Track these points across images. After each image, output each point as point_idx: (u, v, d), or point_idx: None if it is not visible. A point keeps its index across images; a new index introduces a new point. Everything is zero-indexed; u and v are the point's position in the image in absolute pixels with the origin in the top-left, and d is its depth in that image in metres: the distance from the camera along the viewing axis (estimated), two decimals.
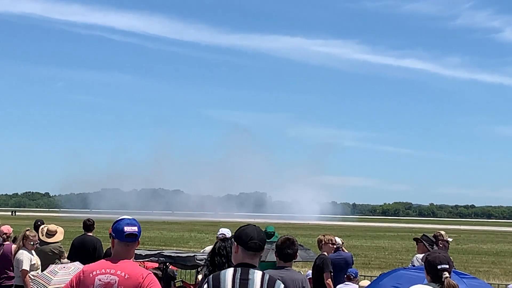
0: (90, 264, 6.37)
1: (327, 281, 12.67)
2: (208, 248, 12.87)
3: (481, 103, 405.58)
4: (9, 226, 15.03)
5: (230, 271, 5.88)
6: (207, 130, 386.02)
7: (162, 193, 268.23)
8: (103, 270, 6.18)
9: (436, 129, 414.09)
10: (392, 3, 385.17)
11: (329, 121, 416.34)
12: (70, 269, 11.97)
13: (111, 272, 6.16)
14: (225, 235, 13.94)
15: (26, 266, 13.18)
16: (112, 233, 6.32)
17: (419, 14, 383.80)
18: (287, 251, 8.60)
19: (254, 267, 5.93)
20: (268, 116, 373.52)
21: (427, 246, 13.05)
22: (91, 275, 6.17)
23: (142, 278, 6.16)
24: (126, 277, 6.13)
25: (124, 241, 6.28)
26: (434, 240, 13.51)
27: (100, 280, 6.13)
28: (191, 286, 16.52)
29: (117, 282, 6.11)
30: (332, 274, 12.92)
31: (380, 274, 11.29)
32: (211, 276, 5.94)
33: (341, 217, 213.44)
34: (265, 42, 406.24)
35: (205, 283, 5.88)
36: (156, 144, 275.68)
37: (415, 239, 13.64)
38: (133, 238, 6.29)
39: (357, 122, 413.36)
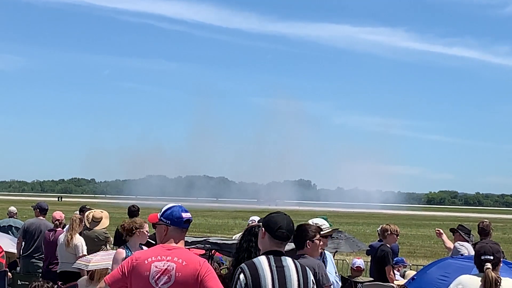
0: (143, 250, 6.34)
1: (390, 275, 12.34)
2: (238, 235, 12.86)
3: None
4: (61, 212, 15.15)
5: (264, 259, 5.86)
6: (252, 118, 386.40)
7: (207, 180, 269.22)
8: (159, 257, 6.12)
9: (482, 117, 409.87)
10: None
11: (375, 110, 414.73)
12: (111, 251, 12.01)
13: (168, 259, 6.11)
14: (255, 221, 13.95)
15: (85, 251, 13.32)
16: (164, 219, 6.28)
17: (467, 2, 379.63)
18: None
19: (284, 254, 5.93)
20: (314, 104, 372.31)
21: (464, 236, 12.91)
22: (146, 262, 6.10)
23: (200, 265, 6.13)
24: (183, 264, 6.09)
25: (183, 227, 6.29)
26: (470, 230, 13.31)
27: (156, 267, 6.07)
28: None
29: (174, 269, 6.07)
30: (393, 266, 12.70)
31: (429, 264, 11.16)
32: (244, 265, 5.88)
33: (387, 205, 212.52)
34: (311, 30, 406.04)
35: (240, 273, 5.82)
36: (201, 131, 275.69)
37: (452, 230, 13.48)
38: (189, 224, 6.33)
39: (403, 110, 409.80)
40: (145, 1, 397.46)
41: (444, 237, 13.58)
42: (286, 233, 5.92)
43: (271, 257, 5.85)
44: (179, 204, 6.45)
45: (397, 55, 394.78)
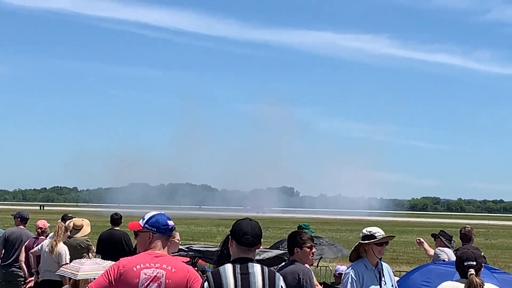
0: (128, 257, 6.30)
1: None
2: None
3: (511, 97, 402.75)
4: (45, 221, 15.06)
5: (229, 267, 5.84)
6: (236, 124, 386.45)
7: (190, 188, 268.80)
8: (148, 264, 6.13)
9: (465, 123, 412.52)
10: None
11: (359, 116, 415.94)
12: (98, 260, 11.94)
13: (157, 266, 6.12)
14: None
15: (68, 260, 13.23)
16: (149, 227, 6.30)
17: (450, 9, 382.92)
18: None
19: (252, 260, 5.88)
20: (299, 111, 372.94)
21: (445, 242, 12.94)
22: (134, 269, 6.10)
23: (188, 272, 6.20)
24: (173, 270, 6.12)
25: (168, 234, 6.35)
26: (451, 236, 13.33)
27: (146, 274, 6.08)
28: None
29: (164, 276, 6.09)
30: None
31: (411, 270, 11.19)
32: (210, 273, 5.90)
33: (370, 211, 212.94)
34: (294, 37, 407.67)
35: (205, 281, 5.82)
36: (184, 138, 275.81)
37: (433, 235, 13.51)
38: (172, 232, 6.43)
39: (387, 117, 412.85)
40: (128, 9, 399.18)
41: (426, 245, 13.59)
42: (251, 239, 5.87)
43: (237, 264, 5.84)
44: (162, 212, 6.49)
45: (380, 62, 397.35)
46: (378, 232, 8.03)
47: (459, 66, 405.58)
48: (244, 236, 5.87)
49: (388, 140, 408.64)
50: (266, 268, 5.90)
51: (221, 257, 7.01)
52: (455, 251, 10.89)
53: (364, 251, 7.98)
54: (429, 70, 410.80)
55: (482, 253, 10.11)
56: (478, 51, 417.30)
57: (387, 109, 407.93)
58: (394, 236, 9.14)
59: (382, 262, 8.14)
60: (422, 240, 13.65)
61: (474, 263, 6.75)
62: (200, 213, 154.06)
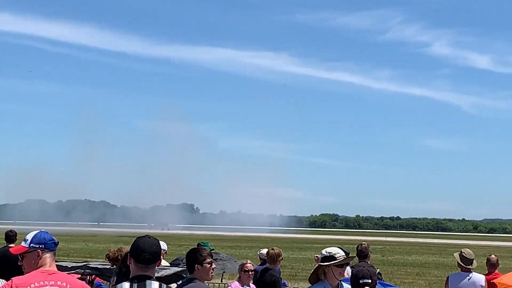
0: (21, 276, 6.17)
1: None
2: None
3: (409, 116, 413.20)
4: None
5: (126, 285, 5.83)
6: (136, 140, 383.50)
7: (89, 204, 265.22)
8: (42, 282, 6.02)
9: (364, 141, 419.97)
10: (324, 17, 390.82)
11: (260, 133, 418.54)
12: None
13: (51, 283, 6.03)
14: (264, 254, 14.00)
15: None
16: (36, 245, 6.19)
17: (350, 28, 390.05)
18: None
19: (150, 278, 5.87)
20: (200, 127, 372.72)
21: None
22: None
23: (82, 286, 6.16)
24: (68, 287, 6.06)
25: (54, 249, 6.29)
26: (348, 253, 13.51)
27: None
28: None
29: None
30: None
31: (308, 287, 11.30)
32: None
33: (268, 228, 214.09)
34: (196, 53, 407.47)
35: None
36: (84, 154, 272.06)
37: None
38: (57, 246, 6.36)
39: (287, 134, 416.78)
40: (26, 23, 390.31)
41: None
42: (148, 257, 5.85)
43: (135, 282, 5.82)
44: (43, 230, 6.44)
45: (280, 79, 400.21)
46: (338, 253, 7.70)
47: (358, 84, 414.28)
48: (141, 253, 5.85)
49: (288, 157, 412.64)
50: (164, 286, 5.89)
51: (119, 275, 6.96)
52: (352, 268, 11.05)
53: (324, 273, 7.58)
54: (329, 88, 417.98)
55: (378, 270, 10.31)
56: (377, 70, 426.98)
57: (287, 126, 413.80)
58: (355, 257, 8.98)
59: (343, 283, 7.85)
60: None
61: (369, 280, 6.87)
62: (99, 229, 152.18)
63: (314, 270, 7.70)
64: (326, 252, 7.73)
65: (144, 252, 5.85)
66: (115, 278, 7.45)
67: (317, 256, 13.78)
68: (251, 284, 11.88)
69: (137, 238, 6.04)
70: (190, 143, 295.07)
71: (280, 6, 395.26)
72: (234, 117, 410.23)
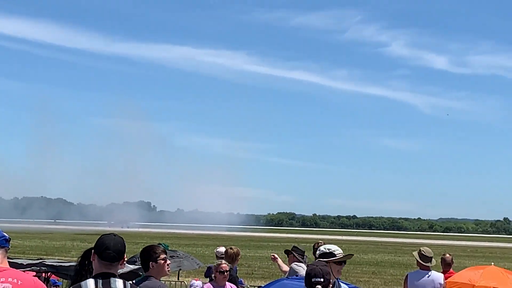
0: None
1: None
2: None
3: (367, 116, 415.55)
4: None
5: (91, 282, 5.81)
6: (93, 138, 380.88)
7: (45, 202, 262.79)
8: None
9: (321, 140, 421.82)
10: (283, 16, 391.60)
11: (219, 132, 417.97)
12: None
13: (2, 280, 6.03)
14: (222, 252, 13.91)
15: None
16: None
17: (309, 27, 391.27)
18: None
19: (114, 275, 5.88)
20: (158, 125, 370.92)
21: (298, 257, 13.17)
22: None
23: (34, 282, 6.16)
24: (19, 283, 6.03)
25: (6, 246, 6.28)
26: (304, 251, 13.62)
27: None
28: None
29: None
30: None
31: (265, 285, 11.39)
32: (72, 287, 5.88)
33: (226, 226, 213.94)
34: (155, 51, 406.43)
35: None
36: (40, 151, 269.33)
37: (286, 251, 13.71)
38: (9, 242, 6.35)
39: (246, 133, 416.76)
40: None
41: (279, 261, 13.79)
42: (113, 254, 5.84)
43: (100, 279, 5.84)
44: None
45: (239, 78, 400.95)
46: (337, 250, 7.74)
47: (316, 83, 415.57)
48: (106, 250, 5.84)
49: (246, 156, 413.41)
50: (128, 283, 5.90)
51: (77, 273, 6.96)
52: (306, 266, 11.14)
53: None
54: (287, 87, 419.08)
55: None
56: (335, 69, 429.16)
57: (245, 126, 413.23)
58: (353, 255, 8.98)
59: (340, 281, 7.87)
60: (276, 256, 13.86)
61: (322, 279, 6.93)
62: (55, 227, 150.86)
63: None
64: (325, 248, 7.80)
65: (109, 249, 5.84)
66: (74, 274, 7.45)
67: (273, 255, 13.92)
68: (227, 284, 11.63)
69: (102, 235, 6.02)
70: (147, 141, 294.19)
71: (238, 5, 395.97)
72: (192, 116, 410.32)
